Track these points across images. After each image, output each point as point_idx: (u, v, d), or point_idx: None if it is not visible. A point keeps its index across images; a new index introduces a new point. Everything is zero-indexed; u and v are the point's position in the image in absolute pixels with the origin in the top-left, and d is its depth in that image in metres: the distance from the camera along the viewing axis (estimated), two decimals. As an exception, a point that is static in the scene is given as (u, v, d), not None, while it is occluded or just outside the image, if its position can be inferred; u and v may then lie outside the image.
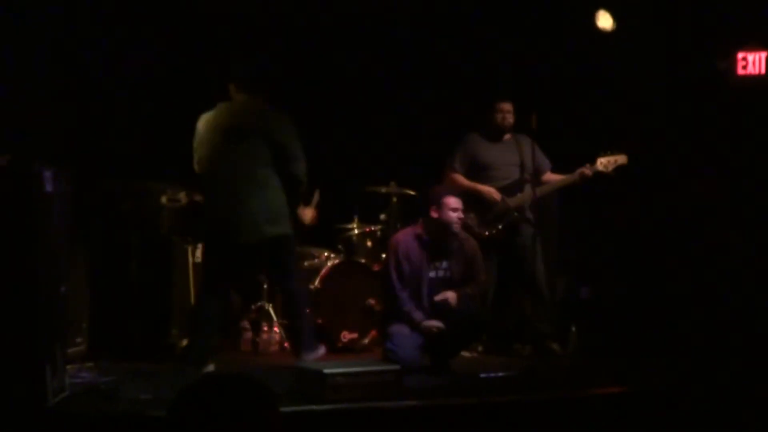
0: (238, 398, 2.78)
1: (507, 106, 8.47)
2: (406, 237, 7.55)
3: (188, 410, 2.80)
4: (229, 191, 6.87)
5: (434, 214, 7.41)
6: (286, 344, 7.98)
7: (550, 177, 8.46)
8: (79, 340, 7.09)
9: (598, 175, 8.30)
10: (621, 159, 8.28)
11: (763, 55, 8.91)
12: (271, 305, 8.28)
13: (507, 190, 8.39)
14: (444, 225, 7.40)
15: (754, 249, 8.53)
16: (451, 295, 7.39)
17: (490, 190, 8.36)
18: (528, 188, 8.32)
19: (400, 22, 9.49)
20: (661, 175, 9.09)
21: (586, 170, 8.27)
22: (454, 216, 7.38)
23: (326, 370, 5.91)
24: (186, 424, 2.77)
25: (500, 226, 8.35)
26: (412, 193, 8.85)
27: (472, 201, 8.31)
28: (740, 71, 8.97)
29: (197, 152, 7.03)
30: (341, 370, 5.97)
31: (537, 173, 8.39)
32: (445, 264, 7.50)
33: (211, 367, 6.70)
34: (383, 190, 8.84)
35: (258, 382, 2.84)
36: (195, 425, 2.76)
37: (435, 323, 7.26)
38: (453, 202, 7.40)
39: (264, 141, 6.87)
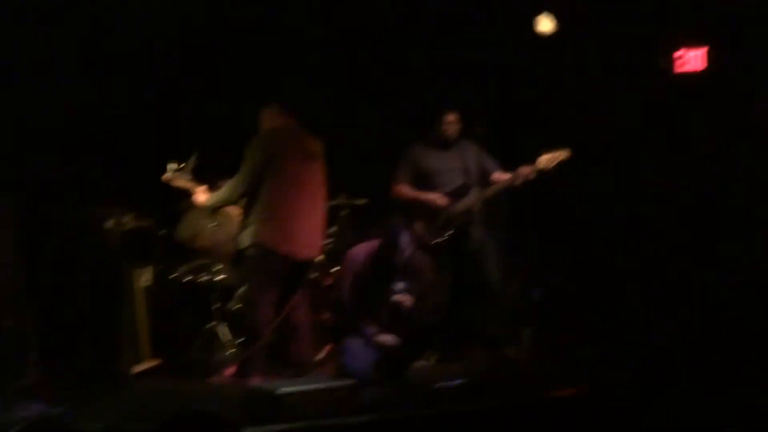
0: None
1: (452, 117, 8.49)
2: (362, 253, 7.58)
3: None
4: (304, 210, 7.44)
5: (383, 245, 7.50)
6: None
7: (498, 177, 8.44)
8: (28, 371, 6.98)
9: (541, 173, 8.31)
10: (563, 154, 8.29)
11: (703, 51, 8.99)
12: (223, 325, 8.20)
13: (453, 196, 8.39)
14: (395, 253, 7.49)
15: (700, 244, 8.60)
16: (407, 298, 7.42)
17: (435, 198, 8.36)
18: (474, 193, 8.31)
19: (345, 32, 9.47)
20: (607, 173, 9.14)
21: (526, 170, 8.28)
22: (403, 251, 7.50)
23: (280, 390, 5.86)
24: None
25: (448, 233, 8.34)
26: (361, 203, 8.80)
27: (419, 210, 8.32)
28: (679, 68, 9.04)
29: (257, 171, 7.34)
30: (295, 388, 5.94)
31: (484, 176, 8.39)
32: (400, 283, 7.52)
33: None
34: (332, 203, 8.79)
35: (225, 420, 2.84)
36: None
37: (388, 338, 7.24)
38: (402, 240, 7.51)
39: (323, 164, 7.65)
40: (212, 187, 7.89)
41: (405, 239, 7.46)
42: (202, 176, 8.18)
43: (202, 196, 7.76)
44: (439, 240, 8.32)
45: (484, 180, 8.37)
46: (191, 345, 8.17)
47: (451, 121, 8.48)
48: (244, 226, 7.53)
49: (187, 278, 8.52)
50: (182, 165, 7.92)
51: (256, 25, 9.24)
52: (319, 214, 7.64)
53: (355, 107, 9.66)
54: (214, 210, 7.91)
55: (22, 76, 8.20)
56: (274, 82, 8.91)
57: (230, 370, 7.73)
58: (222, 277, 8.35)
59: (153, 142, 8.89)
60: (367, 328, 7.29)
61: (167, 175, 7.99)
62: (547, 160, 8.29)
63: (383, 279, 7.48)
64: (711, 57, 9.04)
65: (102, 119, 8.76)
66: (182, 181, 7.99)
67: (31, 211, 7.38)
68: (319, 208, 7.64)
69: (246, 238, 7.44)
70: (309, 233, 7.50)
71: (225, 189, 7.51)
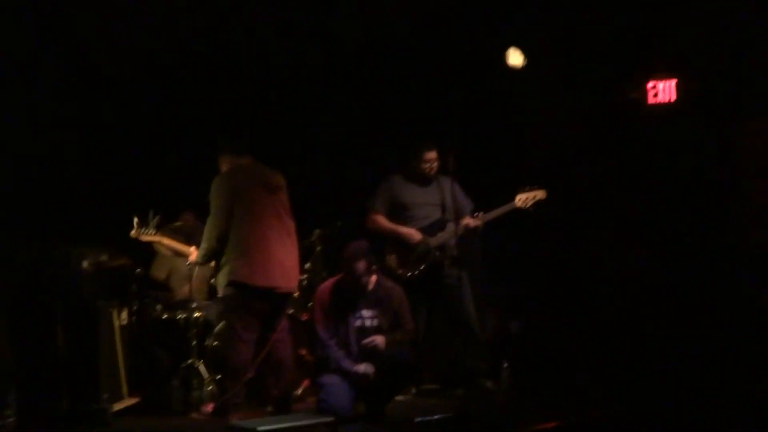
0: None
1: (432, 155, 8.51)
2: (329, 287, 7.60)
3: None
4: (275, 242, 7.44)
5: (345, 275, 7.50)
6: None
7: (467, 222, 8.43)
8: (8, 413, 6.95)
9: (518, 211, 8.37)
10: (539, 194, 8.38)
11: (673, 82, 9.07)
12: (201, 362, 8.19)
13: (428, 230, 8.41)
14: (356, 283, 7.46)
15: (680, 274, 8.65)
16: (379, 339, 7.39)
17: (410, 232, 8.39)
18: (450, 227, 8.34)
19: (320, 65, 9.53)
20: (580, 206, 9.19)
21: (470, 222, 8.34)
22: (363, 281, 7.48)
23: (260, 428, 5.86)
24: None
25: (422, 267, 8.36)
26: (338, 224, 8.82)
27: (394, 243, 8.36)
28: (651, 99, 9.12)
29: (227, 208, 7.38)
30: (275, 426, 5.94)
31: (458, 214, 8.40)
32: (371, 312, 7.51)
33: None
34: (307, 241, 8.81)
35: None
36: None
37: (365, 367, 7.26)
38: (357, 269, 7.45)
39: (285, 196, 7.67)
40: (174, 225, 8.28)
41: (361, 265, 7.45)
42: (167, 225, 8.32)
43: (193, 254, 7.83)
44: (412, 273, 8.33)
45: (459, 216, 8.38)
46: (170, 382, 8.14)
47: (430, 159, 8.50)
48: (218, 267, 7.54)
49: (164, 316, 8.53)
50: (149, 221, 8.11)
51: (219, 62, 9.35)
52: (291, 245, 7.64)
53: (327, 139, 9.72)
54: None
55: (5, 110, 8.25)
56: (227, 124, 8.95)
57: (209, 407, 7.72)
58: (199, 314, 8.35)
59: (126, 183, 8.96)
60: (342, 361, 7.29)
61: (133, 233, 8.16)
62: (525, 198, 8.35)
63: (348, 308, 7.48)
64: (680, 88, 9.13)
65: (77, 161, 8.81)
66: (148, 237, 8.19)
67: (7, 251, 7.36)
68: (290, 240, 7.64)
69: (222, 279, 7.44)
70: (283, 265, 7.49)
71: (204, 238, 7.53)
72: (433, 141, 8.56)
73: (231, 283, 7.37)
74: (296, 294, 8.46)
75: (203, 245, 7.55)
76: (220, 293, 7.57)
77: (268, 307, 7.45)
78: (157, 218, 8.16)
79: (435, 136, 8.59)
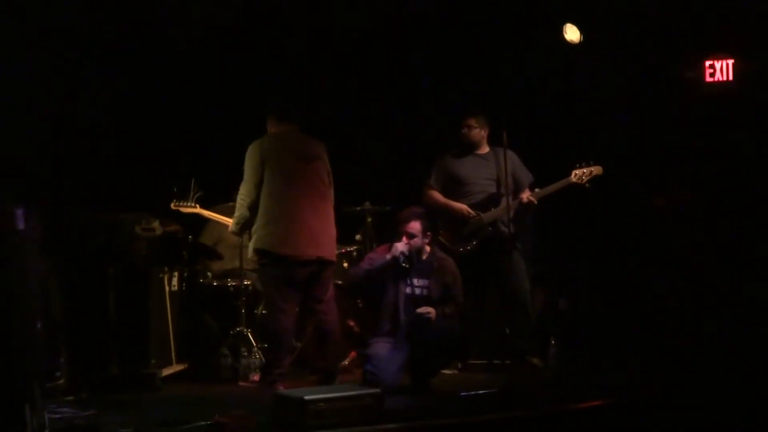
0: None
1: (470, 121, 8.51)
2: (383, 253, 7.58)
3: None
4: (306, 210, 7.33)
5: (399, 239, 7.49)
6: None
7: (526, 195, 8.40)
8: (57, 374, 7.03)
9: (574, 187, 8.32)
10: (596, 170, 8.30)
11: (730, 62, 8.98)
12: (249, 330, 8.24)
13: (482, 205, 8.39)
14: (410, 247, 7.45)
15: (728, 255, 8.58)
16: (431, 310, 7.38)
17: (462, 207, 8.37)
18: (504, 203, 8.29)
19: (373, 41, 9.50)
20: (634, 184, 9.13)
21: (524, 197, 8.33)
22: (415, 241, 7.47)
23: (306, 397, 5.87)
24: None
25: (474, 242, 8.34)
26: (386, 209, 8.85)
27: (447, 218, 8.34)
28: (708, 79, 9.04)
29: (256, 176, 7.31)
30: (321, 396, 5.93)
31: (517, 187, 8.38)
32: (422, 282, 7.51)
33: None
34: (358, 209, 8.85)
35: None
36: None
37: (402, 246, 7.32)
38: (411, 227, 7.46)
39: (322, 165, 7.50)
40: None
41: (416, 225, 7.45)
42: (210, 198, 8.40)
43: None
44: (464, 248, 8.32)
45: (516, 191, 8.36)
46: (218, 350, 8.21)
47: (469, 125, 8.50)
48: (251, 235, 7.52)
49: (215, 283, 8.59)
50: (190, 192, 8.26)
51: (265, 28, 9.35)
52: (325, 214, 7.51)
53: (384, 115, 9.71)
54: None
55: (54, 80, 8.29)
56: (277, 89, 8.95)
57: (256, 376, 7.77)
58: (248, 282, 8.40)
59: (178, 150, 9.01)
60: (375, 263, 7.37)
61: (174, 204, 8.27)
62: (581, 174, 8.29)
63: (400, 275, 7.46)
64: (737, 68, 9.04)
65: (130, 129, 8.86)
66: (188, 208, 8.30)
67: (61, 217, 7.42)
68: (325, 209, 7.51)
69: (251, 247, 7.45)
70: (315, 233, 7.36)
71: (237, 207, 7.51)
72: (478, 108, 8.58)
73: (257, 252, 7.36)
74: (344, 264, 8.52)
75: (236, 214, 7.50)
76: (251, 263, 7.60)
77: (305, 277, 7.35)
78: (197, 189, 8.22)
79: (491, 111, 8.57)
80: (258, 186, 7.33)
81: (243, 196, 7.39)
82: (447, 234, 8.33)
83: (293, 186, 7.36)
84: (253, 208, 7.35)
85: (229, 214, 7.77)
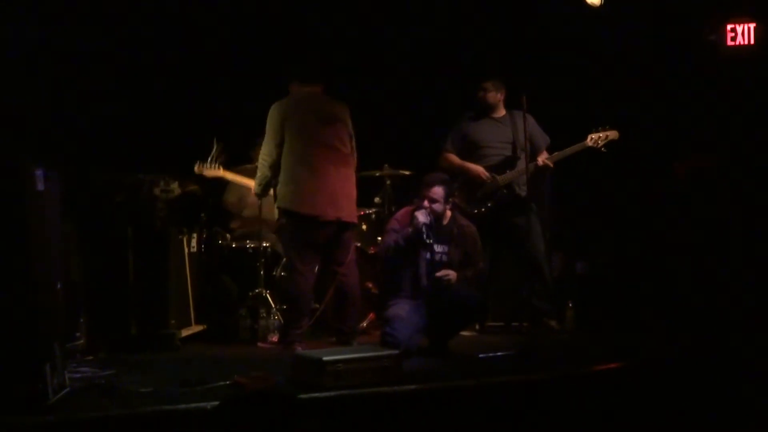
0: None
1: (487, 84, 8.52)
2: (406, 213, 7.58)
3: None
4: (326, 171, 7.38)
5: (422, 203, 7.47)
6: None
7: (542, 159, 8.39)
8: (77, 334, 7.06)
9: (590, 150, 8.31)
10: (612, 134, 8.29)
11: (752, 26, 8.92)
12: (268, 292, 8.27)
13: (498, 168, 8.39)
14: (432, 212, 7.43)
15: (748, 223, 8.54)
16: (452, 273, 7.38)
17: (477, 169, 8.38)
18: (520, 165, 8.29)
19: (390, 6, 9.48)
20: (653, 149, 9.10)
21: (540, 161, 8.33)
22: (437, 207, 7.43)
23: (325, 357, 5.89)
24: None
25: (489, 204, 8.35)
26: (406, 173, 8.86)
27: (463, 180, 8.34)
28: (729, 42, 8.98)
29: (277, 136, 7.39)
30: (340, 356, 5.96)
31: (533, 150, 8.36)
32: (442, 247, 7.50)
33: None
34: (377, 173, 8.85)
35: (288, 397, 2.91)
36: None
37: (423, 216, 7.30)
38: (434, 192, 7.44)
39: (344, 127, 7.55)
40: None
41: (438, 191, 7.44)
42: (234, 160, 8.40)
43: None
44: (478, 210, 8.32)
45: (533, 154, 8.34)
46: (237, 311, 8.25)
47: (486, 88, 8.50)
48: (275, 196, 7.58)
49: (234, 244, 8.61)
50: (213, 154, 8.27)
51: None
52: (346, 176, 7.55)
53: (398, 78, 9.70)
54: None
55: (74, 41, 8.31)
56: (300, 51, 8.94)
57: (275, 337, 7.81)
58: (267, 244, 8.42)
59: (200, 112, 9.01)
60: (401, 236, 7.35)
61: (197, 168, 8.30)
62: (597, 138, 8.28)
63: (420, 239, 7.46)
64: (759, 32, 8.98)
65: (151, 90, 8.87)
66: (212, 171, 8.34)
67: (80, 178, 7.45)
68: (345, 171, 7.55)
69: (274, 206, 7.50)
70: (335, 194, 7.41)
71: (259, 166, 7.54)
72: (496, 72, 8.60)
73: (279, 210, 7.43)
74: (364, 227, 8.53)
75: (257, 174, 7.56)
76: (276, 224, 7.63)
77: (325, 238, 7.41)
78: (218, 150, 8.24)
79: (510, 75, 8.55)
80: (279, 146, 7.38)
81: (264, 155, 7.43)
82: (461, 195, 8.32)
83: (313, 146, 7.39)
84: (274, 167, 7.38)
85: (253, 176, 7.79)
